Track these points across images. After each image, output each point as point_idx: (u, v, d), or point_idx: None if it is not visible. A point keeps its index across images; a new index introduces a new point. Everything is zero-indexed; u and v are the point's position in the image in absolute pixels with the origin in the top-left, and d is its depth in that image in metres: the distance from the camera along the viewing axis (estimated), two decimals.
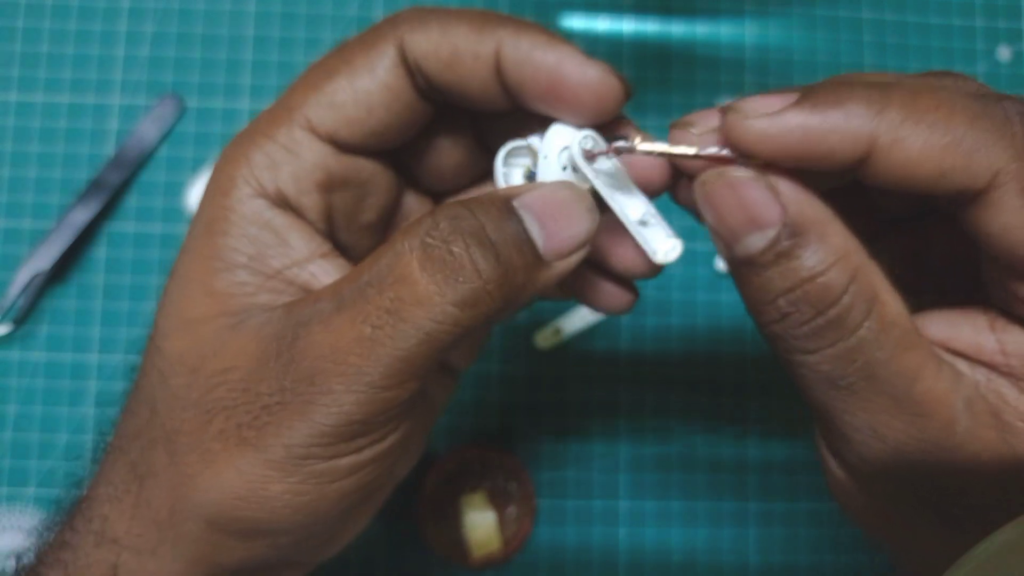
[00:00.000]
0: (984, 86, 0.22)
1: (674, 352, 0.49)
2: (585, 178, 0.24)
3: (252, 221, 0.24)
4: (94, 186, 0.47)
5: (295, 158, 0.24)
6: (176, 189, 0.49)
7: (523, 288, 0.22)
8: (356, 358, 0.21)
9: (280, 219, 0.24)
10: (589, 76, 0.22)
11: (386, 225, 0.28)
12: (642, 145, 0.23)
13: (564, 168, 0.24)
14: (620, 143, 0.23)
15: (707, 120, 0.22)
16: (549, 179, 0.24)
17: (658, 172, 0.24)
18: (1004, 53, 0.53)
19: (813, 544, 0.48)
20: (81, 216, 0.47)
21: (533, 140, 0.25)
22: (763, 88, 0.51)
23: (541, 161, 0.24)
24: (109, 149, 0.49)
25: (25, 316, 0.47)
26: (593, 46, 0.51)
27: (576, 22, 0.52)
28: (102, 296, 0.48)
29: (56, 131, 0.49)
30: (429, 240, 0.21)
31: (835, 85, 0.21)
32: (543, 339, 0.49)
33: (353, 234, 0.26)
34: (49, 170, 0.48)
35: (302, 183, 0.24)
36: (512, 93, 0.23)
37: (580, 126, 0.24)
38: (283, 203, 0.24)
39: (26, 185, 0.48)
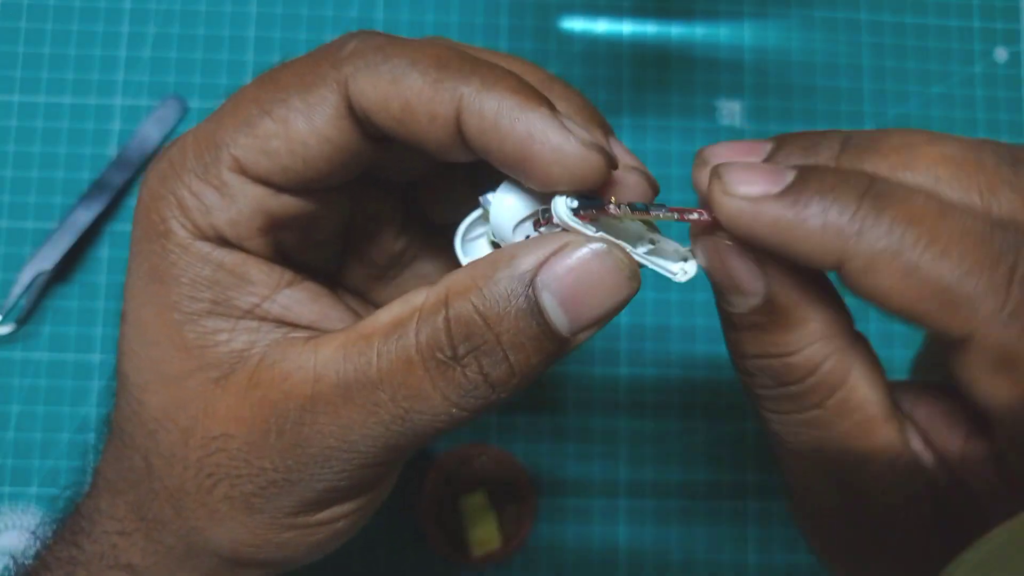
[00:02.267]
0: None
1: (673, 353, 0.49)
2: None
3: (202, 264, 0.22)
4: (97, 186, 0.47)
5: (228, 202, 0.21)
6: None
7: (540, 375, 0.21)
8: (367, 447, 0.21)
9: (231, 257, 0.22)
10: (565, 153, 0.19)
11: (348, 230, 0.26)
12: (616, 211, 0.21)
13: (527, 236, 0.22)
14: (608, 206, 0.21)
15: (723, 154, 0.21)
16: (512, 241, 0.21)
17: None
18: (1001, 54, 0.53)
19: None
20: (84, 216, 0.47)
21: (488, 200, 0.22)
22: (761, 90, 0.52)
23: (492, 243, 0.22)
24: (111, 150, 0.49)
25: (28, 316, 0.47)
26: (592, 47, 0.52)
27: (576, 24, 0.52)
28: (104, 296, 0.48)
29: (59, 132, 0.49)
30: (442, 357, 0.20)
31: (831, 181, 0.19)
32: None
33: (309, 255, 0.25)
34: (52, 170, 0.48)
35: (241, 229, 0.22)
36: (476, 154, 0.21)
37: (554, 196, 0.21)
38: (227, 243, 0.22)
39: (29, 185, 0.48)
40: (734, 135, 0.51)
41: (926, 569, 0.21)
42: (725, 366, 0.49)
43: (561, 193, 0.21)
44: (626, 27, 0.52)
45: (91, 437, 0.47)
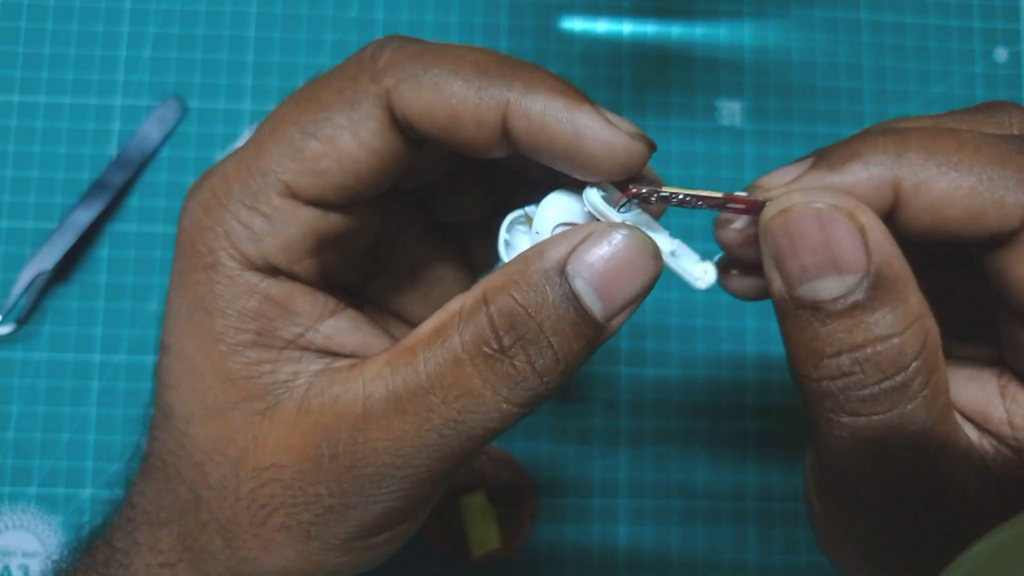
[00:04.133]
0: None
1: (673, 353, 0.50)
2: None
3: (248, 295, 0.22)
4: (97, 186, 0.47)
5: (280, 228, 0.22)
6: (178, 189, 0.49)
7: (583, 362, 0.21)
8: (423, 460, 0.21)
9: (277, 288, 0.22)
10: (614, 145, 0.20)
11: (377, 249, 0.27)
12: (665, 189, 0.22)
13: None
14: (643, 189, 0.22)
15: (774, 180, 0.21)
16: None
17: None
18: (1001, 54, 0.53)
19: (812, 543, 0.48)
20: (84, 216, 0.47)
21: (531, 210, 0.23)
22: (762, 89, 0.52)
23: (534, 237, 0.23)
24: (111, 150, 0.49)
25: (28, 315, 0.47)
26: (593, 47, 0.52)
27: (576, 24, 0.52)
28: (104, 296, 0.48)
29: (59, 131, 0.49)
30: (489, 352, 0.20)
31: (848, 140, 0.20)
32: None
33: (347, 272, 0.25)
34: (52, 170, 0.48)
35: (293, 253, 0.22)
36: (522, 153, 0.21)
37: (581, 189, 0.22)
38: (275, 271, 0.22)
39: (29, 185, 0.48)
40: (734, 135, 0.51)
41: None
42: (725, 366, 0.49)
43: (592, 185, 0.22)
44: (626, 27, 0.52)
45: (90, 438, 0.47)
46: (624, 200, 0.22)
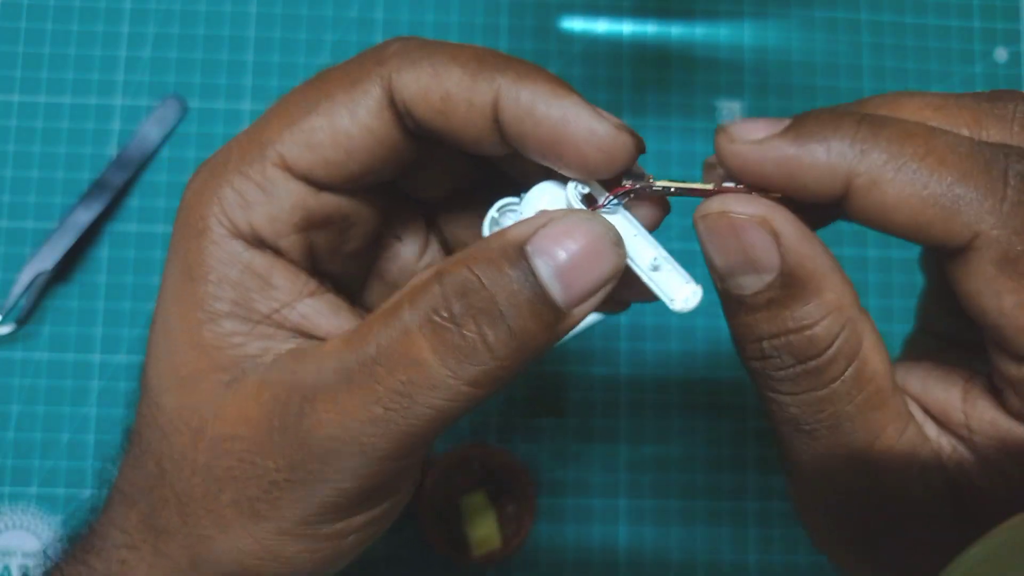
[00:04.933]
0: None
1: (673, 353, 0.50)
2: None
3: (231, 264, 0.22)
4: (97, 186, 0.48)
5: (270, 198, 0.22)
6: (178, 189, 0.49)
7: (542, 348, 0.21)
8: (368, 437, 0.21)
9: (260, 260, 0.22)
10: (598, 135, 0.21)
11: (374, 246, 0.27)
12: (657, 183, 0.22)
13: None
14: (631, 182, 0.22)
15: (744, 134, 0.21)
16: None
17: (655, 209, 0.23)
18: (1001, 54, 0.53)
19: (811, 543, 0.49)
20: (84, 216, 0.47)
21: (519, 198, 0.23)
22: (762, 90, 0.52)
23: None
24: (111, 150, 0.49)
25: (28, 316, 0.47)
26: (593, 47, 0.52)
27: (576, 24, 0.52)
28: (104, 296, 0.48)
29: (59, 131, 0.49)
30: (437, 320, 0.20)
31: (827, 115, 0.20)
32: None
33: (338, 264, 0.25)
34: (52, 170, 0.49)
35: (279, 225, 0.22)
36: (511, 144, 0.22)
37: (567, 182, 0.22)
38: (261, 243, 0.22)
39: (29, 185, 0.48)
40: None
41: (941, 552, 0.21)
42: (725, 366, 0.49)
43: (575, 181, 0.22)
44: (626, 27, 0.52)
45: (90, 438, 0.47)
46: (611, 198, 0.22)
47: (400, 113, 0.22)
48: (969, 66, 0.53)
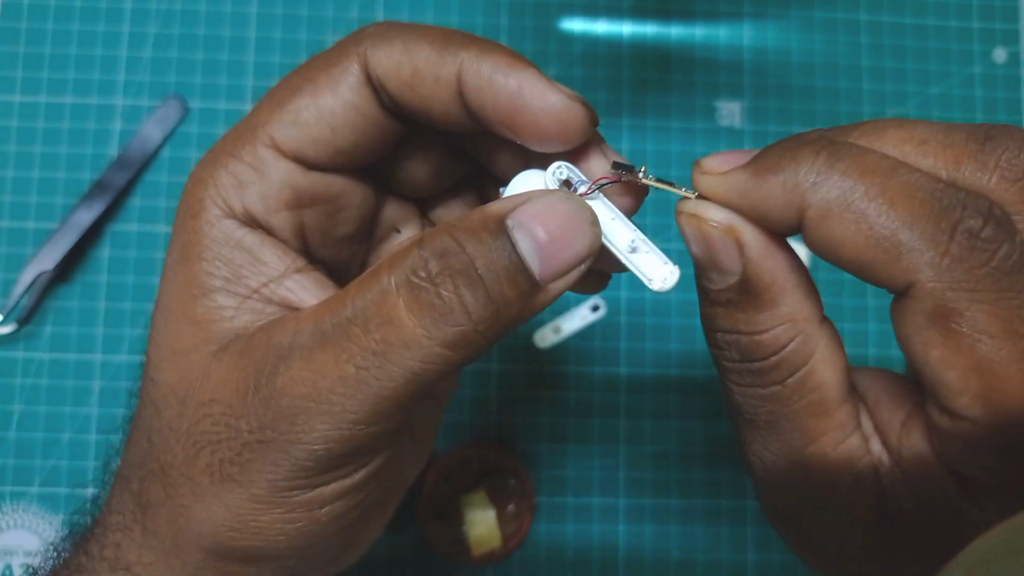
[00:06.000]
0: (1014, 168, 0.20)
1: (672, 353, 0.50)
2: None
3: (224, 242, 0.23)
4: (98, 187, 0.48)
5: (261, 177, 0.23)
6: (179, 190, 0.49)
7: (517, 318, 0.21)
8: (340, 397, 0.21)
9: (251, 237, 0.23)
10: (551, 103, 0.22)
11: (366, 235, 0.27)
12: (645, 180, 0.23)
13: None
14: (618, 172, 0.23)
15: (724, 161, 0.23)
16: None
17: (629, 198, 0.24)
18: (1000, 55, 0.53)
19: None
20: (85, 216, 0.47)
21: (502, 191, 0.24)
22: (761, 91, 0.52)
23: None
24: (113, 150, 0.49)
25: (29, 315, 0.47)
26: (593, 48, 0.52)
27: (576, 24, 0.52)
28: (106, 296, 0.48)
29: (60, 132, 0.49)
30: (415, 280, 0.20)
31: (788, 146, 0.21)
32: (542, 338, 0.49)
33: (329, 248, 0.26)
34: (53, 171, 0.49)
35: (270, 202, 0.23)
36: (475, 117, 0.23)
37: (546, 167, 0.23)
38: (253, 222, 0.23)
39: (30, 186, 0.48)
40: (733, 136, 0.51)
41: (873, 555, 0.22)
42: None
43: (556, 164, 0.23)
44: (626, 28, 0.52)
45: (91, 437, 0.47)
46: (592, 185, 0.23)
47: (377, 90, 0.23)
48: (968, 67, 0.53)
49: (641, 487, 0.49)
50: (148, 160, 0.49)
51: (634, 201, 0.24)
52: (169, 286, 0.24)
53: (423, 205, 0.29)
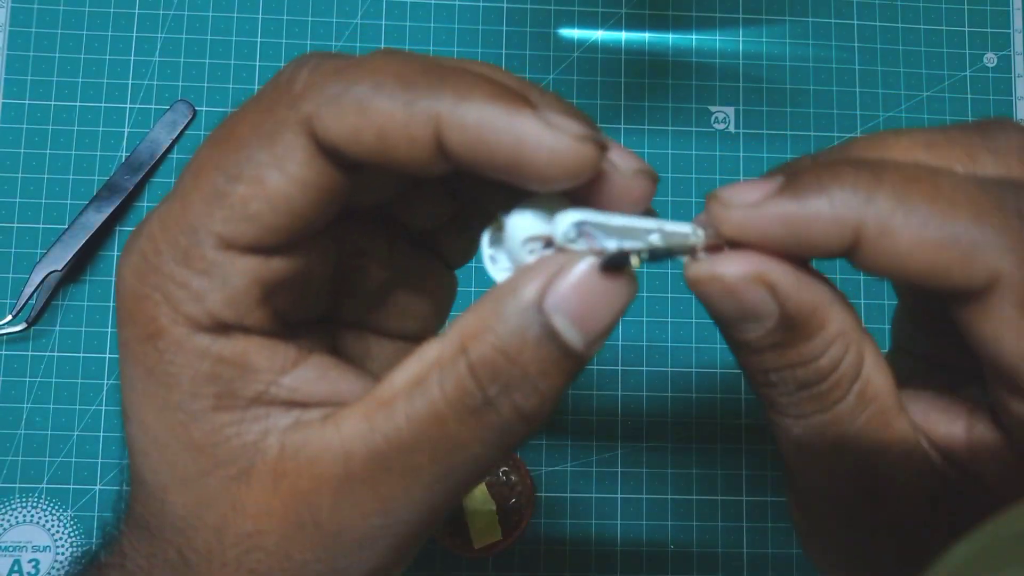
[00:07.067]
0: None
1: (669, 348, 0.50)
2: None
3: (200, 359, 0.20)
4: (107, 188, 0.48)
5: (221, 283, 0.20)
6: None
7: (563, 394, 0.21)
8: (410, 516, 0.21)
9: (230, 346, 0.20)
10: (555, 150, 0.18)
11: (336, 272, 0.25)
12: (641, 259, 0.20)
13: (531, 252, 0.21)
14: (617, 257, 0.20)
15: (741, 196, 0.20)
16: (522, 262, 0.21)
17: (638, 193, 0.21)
18: (991, 59, 0.54)
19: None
20: (94, 217, 0.48)
21: (502, 221, 0.22)
22: (755, 94, 0.52)
23: (509, 251, 0.21)
24: (121, 153, 0.50)
25: (39, 315, 0.48)
26: (591, 54, 0.52)
27: (574, 31, 0.53)
28: (114, 295, 0.48)
29: (69, 135, 0.50)
30: (473, 404, 0.19)
31: (821, 167, 0.19)
32: None
33: (307, 308, 0.24)
34: (63, 173, 0.49)
35: (239, 306, 0.20)
36: (463, 168, 0.20)
37: (553, 214, 0.21)
38: (226, 328, 0.20)
39: (40, 187, 0.49)
40: (728, 140, 0.52)
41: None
42: (721, 361, 0.50)
43: (561, 221, 0.21)
44: (623, 35, 0.53)
45: (99, 435, 0.48)
46: (608, 251, 0.20)
47: (330, 153, 0.19)
48: (959, 71, 0.53)
49: (639, 482, 0.49)
50: (156, 163, 0.50)
51: (653, 186, 0.22)
52: (144, 410, 0.21)
53: (383, 210, 0.26)
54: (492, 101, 0.19)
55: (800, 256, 0.20)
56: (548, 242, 0.21)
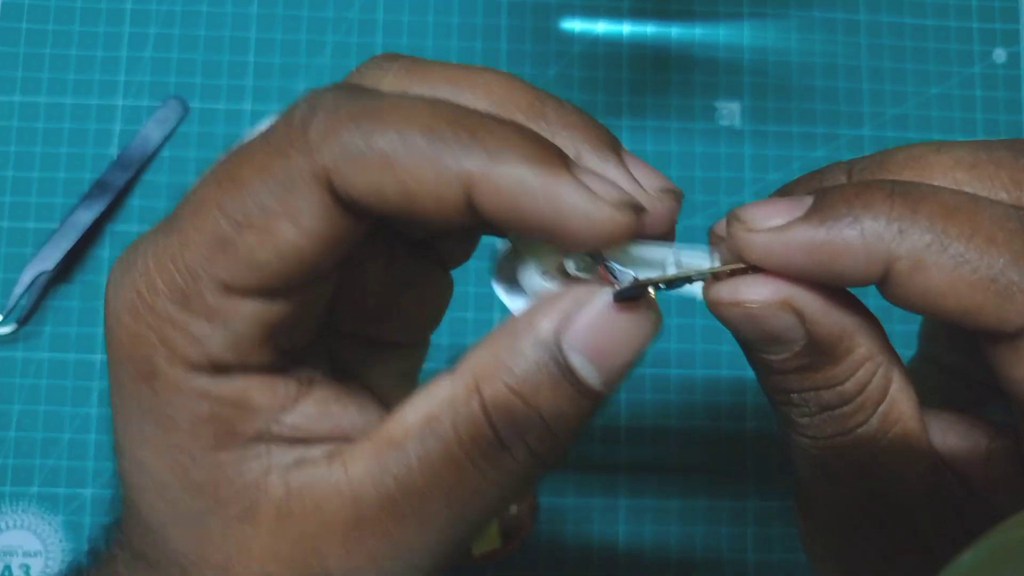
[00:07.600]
0: None
1: (672, 352, 0.50)
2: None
3: (198, 401, 0.20)
4: (98, 187, 0.48)
5: (223, 327, 0.19)
6: (179, 191, 0.49)
7: (580, 432, 0.20)
8: (422, 559, 0.20)
9: (229, 387, 0.20)
10: (595, 219, 0.18)
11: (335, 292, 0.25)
12: (660, 289, 0.20)
13: (546, 279, 0.21)
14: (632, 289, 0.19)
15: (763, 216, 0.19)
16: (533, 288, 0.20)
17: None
18: (1000, 55, 0.53)
19: None
20: (85, 216, 0.47)
21: (514, 246, 0.21)
22: (760, 91, 0.52)
23: (525, 280, 0.21)
24: (113, 150, 0.49)
25: (29, 315, 0.47)
26: (592, 48, 0.52)
27: (575, 25, 0.52)
28: (103, 312, 0.48)
29: (60, 132, 0.49)
30: (486, 448, 0.19)
31: (852, 191, 0.18)
32: None
33: (304, 336, 0.23)
34: (53, 171, 0.49)
35: (242, 349, 0.20)
36: (491, 225, 0.19)
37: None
38: (226, 368, 0.20)
39: (30, 186, 0.49)
40: (733, 136, 0.51)
41: None
42: (724, 365, 0.50)
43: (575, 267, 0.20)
44: (625, 28, 0.52)
45: (91, 437, 0.47)
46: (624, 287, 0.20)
47: (347, 204, 0.19)
48: (968, 67, 0.53)
49: (641, 488, 0.49)
50: (148, 160, 0.49)
51: (678, 206, 0.22)
52: (139, 449, 0.20)
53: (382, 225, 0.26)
54: (527, 162, 0.18)
55: (825, 284, 0.19)
56: (562, 268, 0.21)
